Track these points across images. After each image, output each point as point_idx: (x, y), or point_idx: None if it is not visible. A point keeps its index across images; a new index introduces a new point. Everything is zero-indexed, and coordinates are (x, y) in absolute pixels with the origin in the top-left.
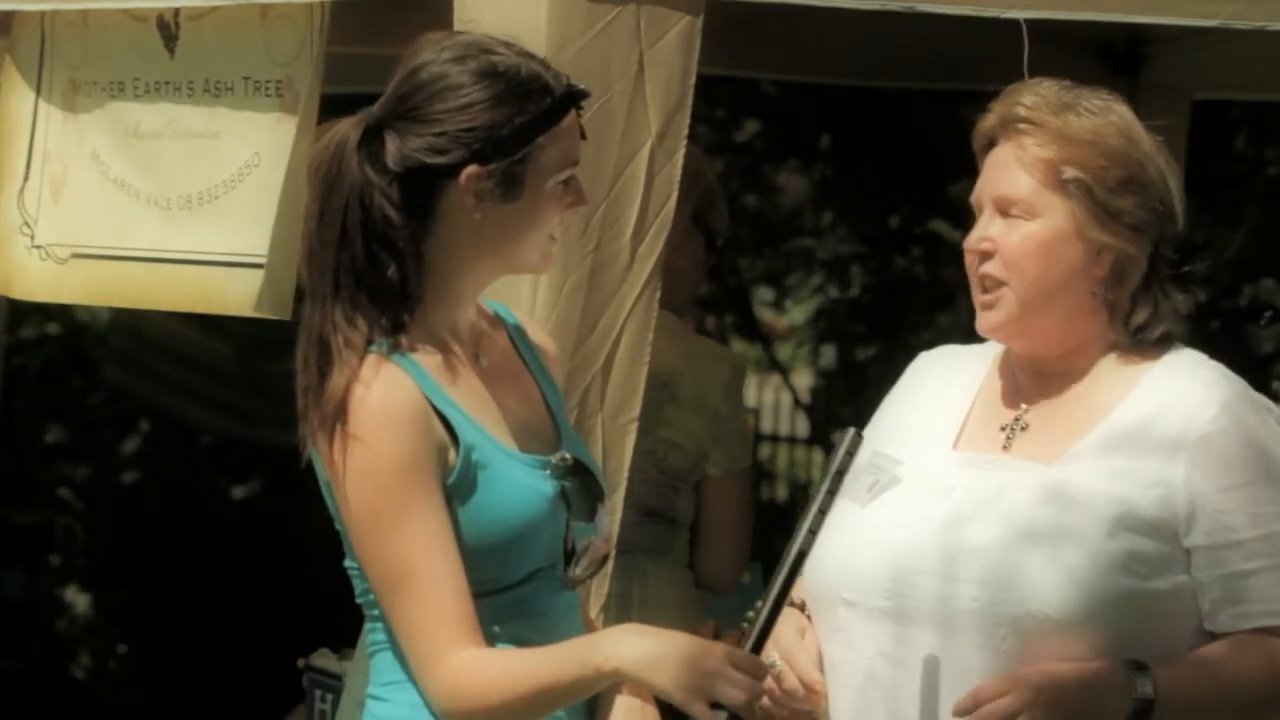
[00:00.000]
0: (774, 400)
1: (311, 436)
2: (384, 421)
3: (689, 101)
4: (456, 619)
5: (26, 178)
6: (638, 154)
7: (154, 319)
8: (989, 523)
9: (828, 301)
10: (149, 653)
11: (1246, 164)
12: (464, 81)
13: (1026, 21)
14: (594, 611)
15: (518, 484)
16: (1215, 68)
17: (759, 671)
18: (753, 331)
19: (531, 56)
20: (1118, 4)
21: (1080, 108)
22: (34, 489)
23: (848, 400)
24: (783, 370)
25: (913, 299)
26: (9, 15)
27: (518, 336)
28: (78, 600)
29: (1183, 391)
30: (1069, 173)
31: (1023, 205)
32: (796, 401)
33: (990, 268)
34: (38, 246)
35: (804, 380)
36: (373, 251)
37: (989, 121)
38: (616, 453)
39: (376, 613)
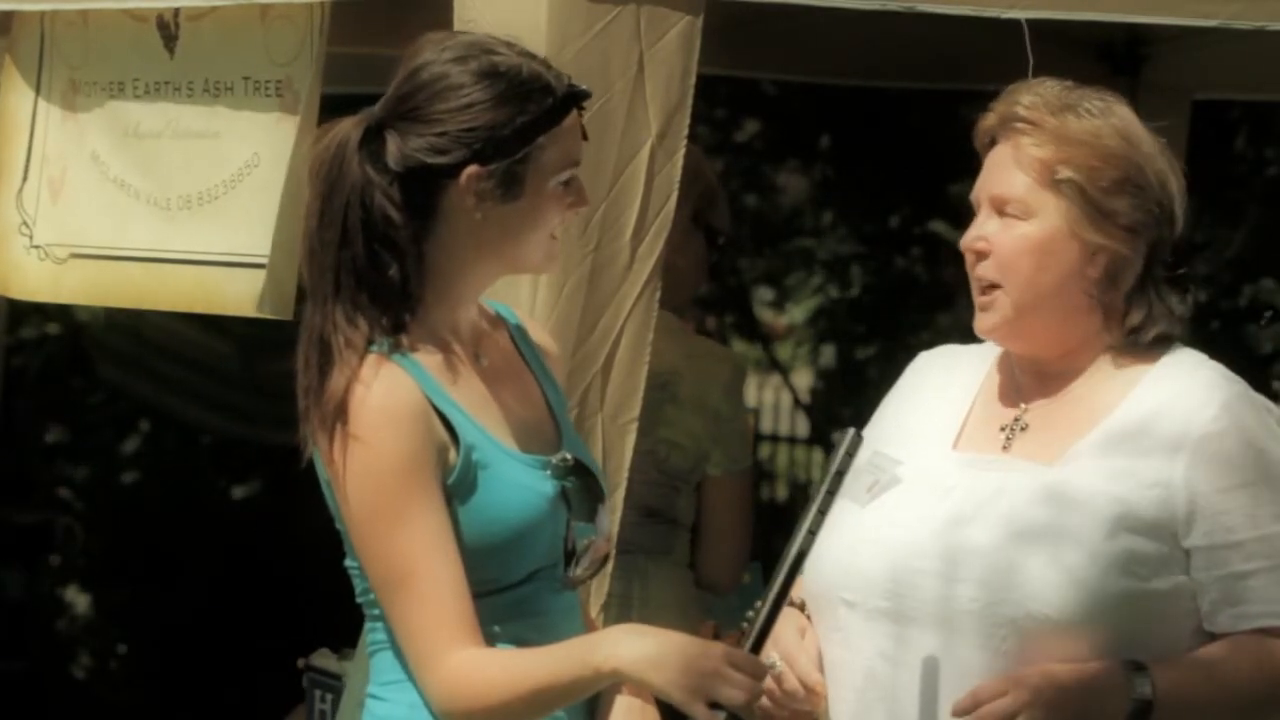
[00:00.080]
0: (774, 400)
1: (312, 436)
2: (384, 421)
3: (689, 101)
4: (456, 619)
5: (25, 177)
6: (638, 154)
7: (153, 319)
8: (989, 523)
9: (828, 301)
10: (149, 653)
11: (1246, 164)
12: (465, 81)
13: (1026, 21)
14: (594, 611)
15: (518, 484)
16: (1215, 68)
17: (758, 671)
18: (753, 331)
19: (532, 56)
20: (1118, 4)
21: (1080, 108)
22: (34, 489)
23: (848, 400)
24: (783, 370)
25: (913, 299)
26: (9, 15)
27: (519, 336)
28: (78, 600)
29: (1182, 392)
30: (1063, 173)
31: (1018, 204)
32: (796, 401)
33: (985, 270)
34: (36, 246)
35: (804, 380)
36: (374, 251)
37: (989, 120)
38: (616, 453)
39: (377, 612)
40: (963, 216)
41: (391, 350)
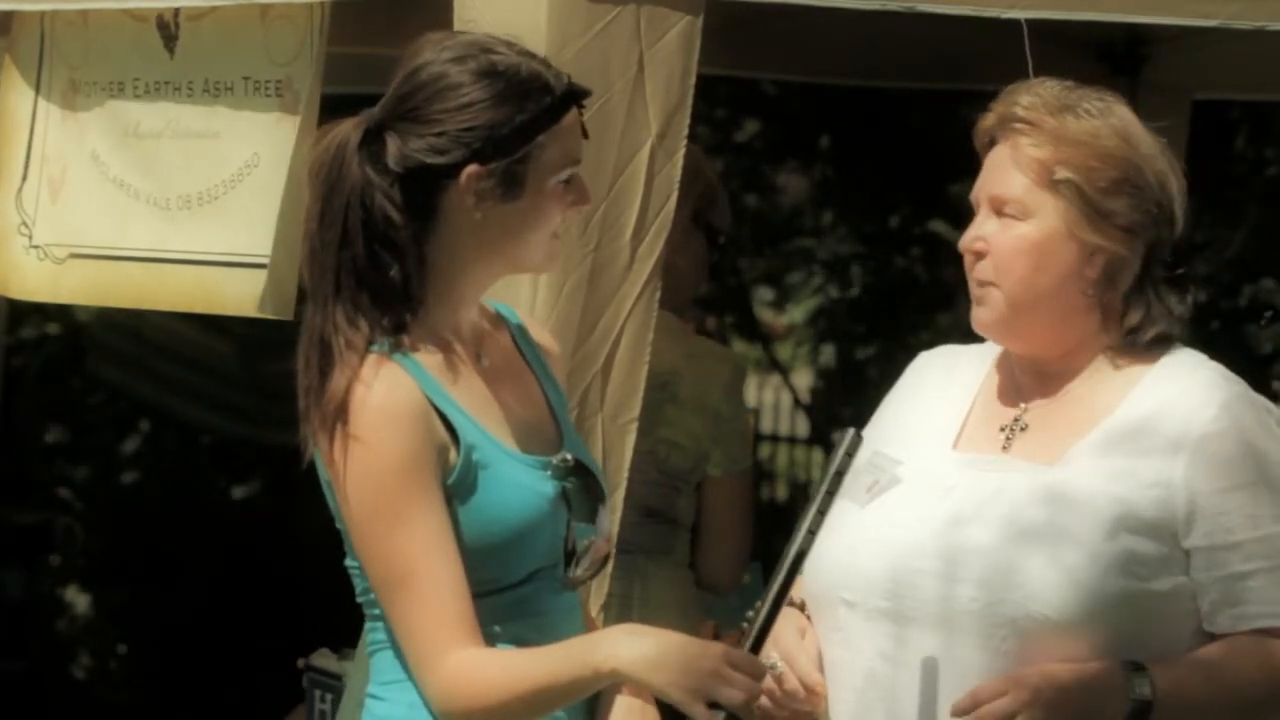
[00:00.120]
0: (774, 400)
1: (313, 436)
2: (385, 421)
3: (689, 101)
4: (456, 619)
5: (25, 177)
6: (638, 154)
7: (153, 319)
8: (988, 523)
9: (828, 301)
10: (149, 653)
11: (1246, 164)
12: (464, 81)
13: (1026, 21)
14: (594, 611)
15: (518, 484)
16: (1215, 68)
17: (757, 671)
18: (753, 331)
19: (532, 56)
20: (1118, 4)
21: (1080, 109)
22: (34, 489)
23: (848, 400)
24: (783, 370)
25: (913, 299)
26: (9, 15)
27: (520, 336)
28: (78, 600)
29: (1182, 392)
30: (1061, 173)
31: (1016, 205)
32: (796, 401)
33: (983, 270)
34: (36, 246)
35: (804, 380)
36: (374, 252)
37: (989, 121)
38: (616, 453)
39: (377, 612)
40: (962, 216)
41: (392, 350)
